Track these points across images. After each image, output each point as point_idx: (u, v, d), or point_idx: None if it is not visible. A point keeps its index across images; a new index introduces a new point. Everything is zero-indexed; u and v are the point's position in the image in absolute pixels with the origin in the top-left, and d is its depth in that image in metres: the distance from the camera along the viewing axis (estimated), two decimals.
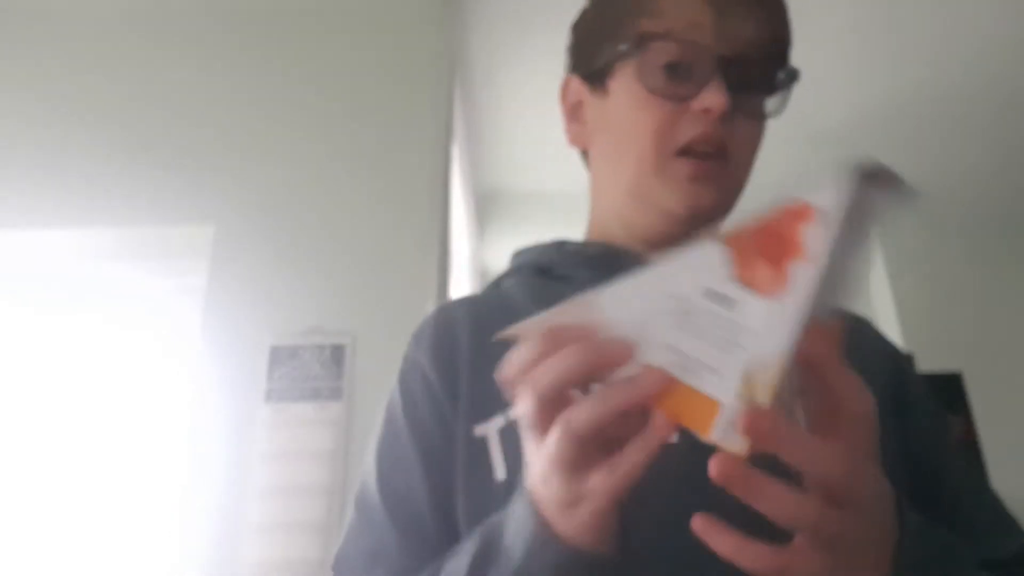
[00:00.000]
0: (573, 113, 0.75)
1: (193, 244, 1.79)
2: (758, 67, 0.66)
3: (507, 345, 0.65)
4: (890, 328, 2.89)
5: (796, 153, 2.72)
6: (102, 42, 2.03)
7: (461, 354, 0.66)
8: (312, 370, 1.60)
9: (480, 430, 0.61)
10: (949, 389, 2.00)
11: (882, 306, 2.98)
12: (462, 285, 2.65)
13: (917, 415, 0.67)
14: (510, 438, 0.59)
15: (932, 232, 3.02)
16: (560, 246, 0.74)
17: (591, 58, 0.72)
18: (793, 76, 0.69)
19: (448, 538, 0.60)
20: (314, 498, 1.49)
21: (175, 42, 2.02)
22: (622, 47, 0.67)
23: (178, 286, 1.83)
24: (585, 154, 0.77)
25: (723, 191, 0.66)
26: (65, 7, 2.07)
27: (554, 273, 0.72)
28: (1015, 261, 2.99)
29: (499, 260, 3.03)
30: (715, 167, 0.65)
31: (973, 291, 2.92)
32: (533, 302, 0.68)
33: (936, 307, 2.87)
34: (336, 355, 1.61)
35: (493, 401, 0.60)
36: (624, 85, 0.68)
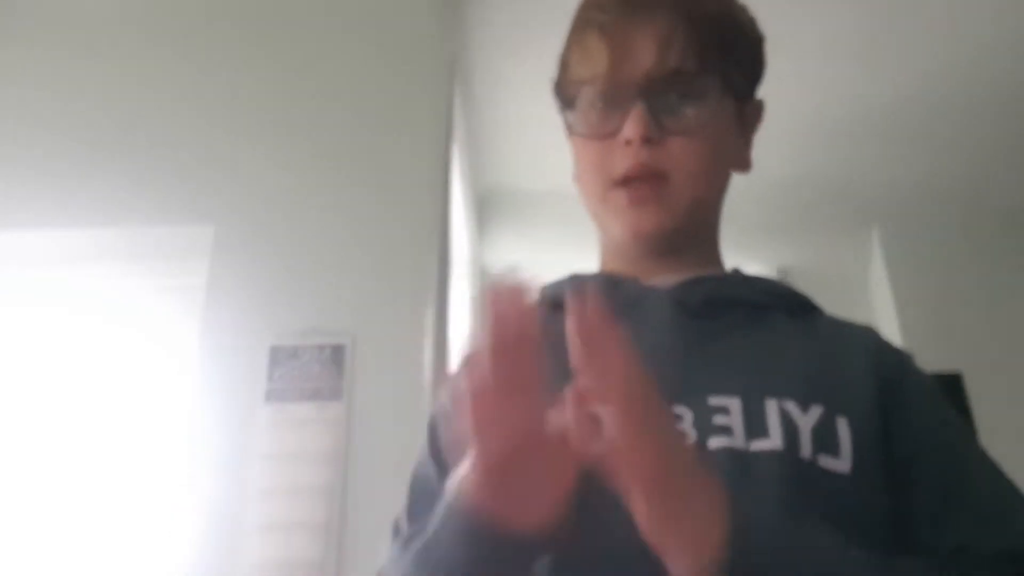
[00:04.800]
0: (573, 152, 0.81)
1: (193, 244, 1.79)
2: (680, 85, 0.70)
3: None
4: (890, 328, 2.89)
5: (797, 153, 2.72)
6: (102, 42, 2.03)
7: None
8: (312, 370, 1.60)
9: None
10: (949, 389, 2.00)
11: (882, 306, 2.98)
12: (462, 285, 2.64)
13: (912, 414, 0.68)
14: None
15: (932, 232, 3.02)
16: (572, 279, 0.77)
17: (558, 99, 0.80)
18: (730, 80, 0.74)
19: None
20: (314, 498, 1.49)
21: (175, 43, 2.02)
22: (556, 102, 0.78)
23: (178, 286, 1.83)
24: None
25: (667, 210, 0.71)
26: (65, 7, 2.07)
27: (564, 305, 0.76)
28: (1016, 261, 2.99)
29: (499, 260, 3.02)
30: (652, 190, 0.70)
31: (973, 291, 2.92)
32: (541, 333, 0.72)
33: (936, 307, 2.87)
34: (336, 355, 1.61)
35: None
36: (570, 131, 0.77)
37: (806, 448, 0.60)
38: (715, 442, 0.60)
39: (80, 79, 1.98)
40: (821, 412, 0.62)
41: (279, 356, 1.62)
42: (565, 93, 0.76)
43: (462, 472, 0.53)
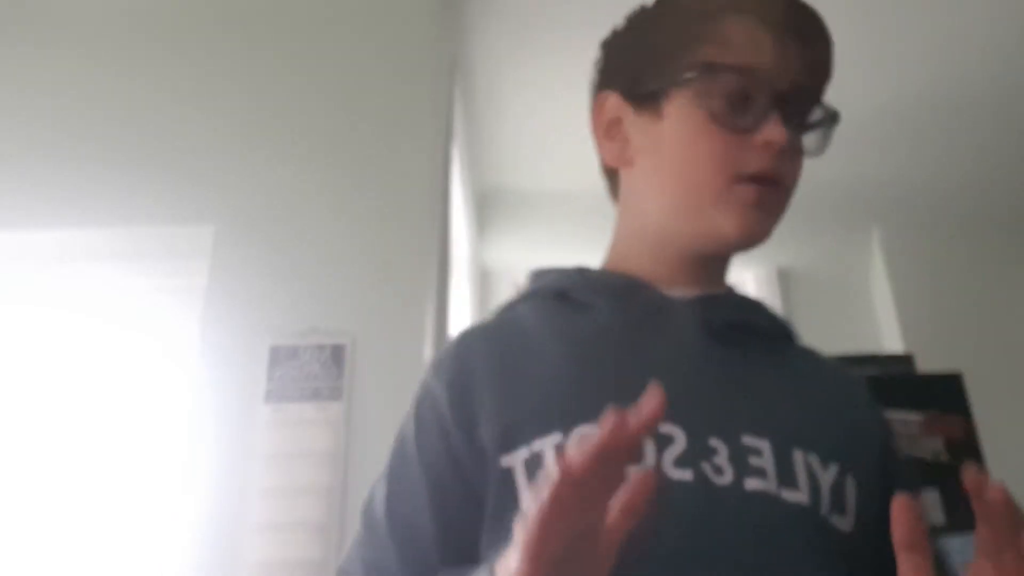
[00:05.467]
0: (609, 131, 0.74)
1: (193, 244, 1.79)
2: (805, 105, 0.70)
3: (528, 372, 0.66)
4: (890, 328, 2.88)
5: None
6: (102, 42, 2.03)
7: (477, 384, 0.67)
8: (312, 370, 1.60)
9: (506, 461, 0.62)
10: (949, 389, 2.00)
11: (882, 306, 2.98)
12: (462, 285, 2.65)
13: (903, 480, 0.70)
14: (535, 469, 0.60)
15: (932, 232, 3.01)
16: (582, 272, 0.74)
17: (639, 79, 0.72)
18: (833, 117, 0.73)
19: (453, 565, 0.62)
20: (314, 498, 1.49)
21: (175, 42, 2.02)
22: (688, 74, 0.69)
23: (178, 286, 1.83)
24: (612, 173, 0.78)
25: (773, 220, 0.70)
26: (65, 7, 2.07)
27: (573, 299, 0.72)
28: (1015, 261, 2.99)
29: (499, 260, 3.03)
30: (773, 195, 0.68)
31: (973, 291, 2.92)
32: (549, 328, 0.69)
33: (936, 307, 2.87)
34: (336, 355, 1.61)
35: (517, 430, 0.63)
36: (682, 110, 0.69)
37: (825, 505, 0.61)
38: (752, 483, 0.60)
39: (80, 79, 1.98)
40: (837, 470, 0.63)
41: (279, 356, 1.62)
42: (694, 63, 0.69)
43: (509, 561, 0.49)
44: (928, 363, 2.16)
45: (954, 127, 2.68)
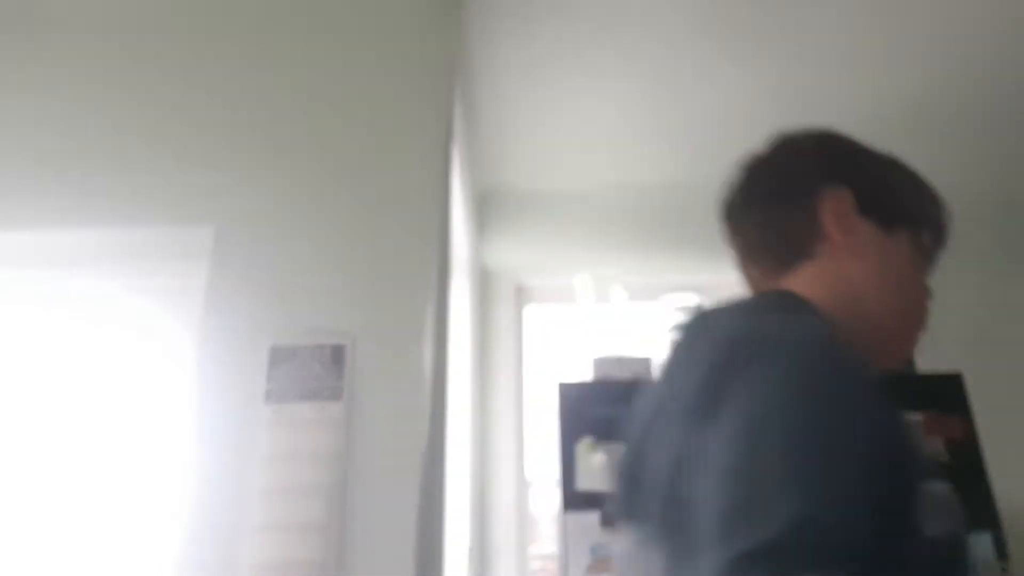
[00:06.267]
0: (841, 221, 0.84)
1: (193, 244, 1.79)
2: None
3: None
4: None
5: None
6: (102, 43, 2.03)
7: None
8: (312, 370, 1.60)
9: (936, 487, 0.64)
10: (949, 389, 2.00)
11: None
12: (462, 285, 2.64)
13: None
14: (926, 505, 0.62)
15: None
16: (834, 326, 0.75)
17: (879, 197, 0.86)
18: None
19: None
20: (314, 498, 1.49)
21: (175, 43, 2.02)
22: (934, 223, 0.88)
23: (178, 287, 1.83)
24: (808, 242, 0.85)
25: None
26: (65, 8, 2.07)
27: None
28: (1015, 262, 2.99)
29: (499, 260, 3.02)
30: None
31: (973, 291, 2.92)
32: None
33: (936, 307, 2.87)
34: (336, 355, 1.61)
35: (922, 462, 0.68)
36: (906, 242, 0.85)
37: None
38: None
39: (80, 80, 1.98)
40: None
41: (279, 356, 1.62)
42: (922, 216, 0.87)
43: None
44: (928, 363, 2.16)
45: (953, 128, 2.68)
